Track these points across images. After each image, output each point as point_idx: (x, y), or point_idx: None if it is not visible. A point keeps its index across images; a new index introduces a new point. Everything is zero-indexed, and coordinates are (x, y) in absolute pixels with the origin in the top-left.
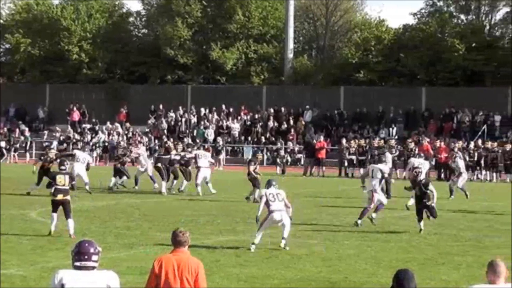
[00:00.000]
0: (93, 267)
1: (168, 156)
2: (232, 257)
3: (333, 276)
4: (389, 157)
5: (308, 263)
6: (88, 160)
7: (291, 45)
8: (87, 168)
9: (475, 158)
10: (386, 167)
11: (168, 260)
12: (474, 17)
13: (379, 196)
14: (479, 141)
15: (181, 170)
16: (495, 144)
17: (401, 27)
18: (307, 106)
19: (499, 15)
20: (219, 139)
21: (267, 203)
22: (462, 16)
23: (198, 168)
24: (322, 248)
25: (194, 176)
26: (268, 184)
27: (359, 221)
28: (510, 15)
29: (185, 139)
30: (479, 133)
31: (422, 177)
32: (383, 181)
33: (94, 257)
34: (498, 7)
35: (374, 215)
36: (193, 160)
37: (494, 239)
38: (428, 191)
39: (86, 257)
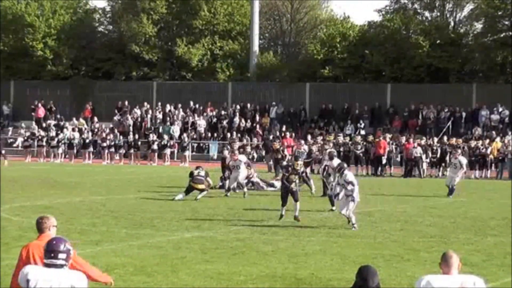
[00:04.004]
0: (62, 265)
1: None
2: (198, 254)
3: (299, 273)
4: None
5: (274, 260)
6: None
7: (256, 41)
8: None
9: (438, 155)
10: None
11: (36, 247)
12: (438, 14)
13: None
14: (444, 138)
15: None
16: (460, 140)
17: (366, 23)
18: (273, 103)
19: (463, 13)
20: (185, 135)
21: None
22: (427, 13)
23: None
24: (288, 244)
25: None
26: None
27: None
28: (475, 12)
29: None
30: (444, 129)
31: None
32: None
33: (62, 255)
34: (462, 4)
35: None
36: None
37: (459, 235)
38: None
39: (52, 254)
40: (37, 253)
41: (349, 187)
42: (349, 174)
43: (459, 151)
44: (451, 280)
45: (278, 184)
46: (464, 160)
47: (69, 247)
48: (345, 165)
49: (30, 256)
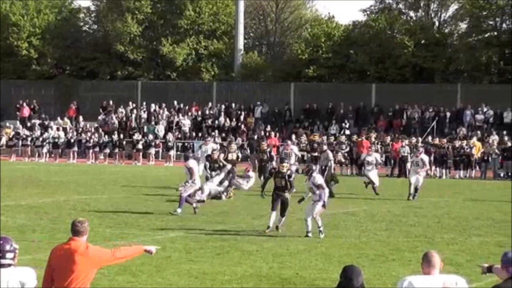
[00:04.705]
0: (9, 265)
1: None
2: (182, 254)
3: (284, 272)
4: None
5: (259, 259)
6: None
7: (241, 41)
8: None
9: None
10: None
11: (61, 250)
12: (423, 14)
13: None
14: (429, 138)
15: None
16: (444, 140)
17: (350, 23)
18: (258, 102)
19: (448, 13)
20: (170, 135)
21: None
22: (412, 13)
23: None
24: (272, 244)
25: None
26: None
27: None
28: (459, 12)
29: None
30: (428, 129)
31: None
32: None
33: (9, 255)
34: (447, 4)
35: None
36: None
37: (444, 235)
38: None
39: (0, 254)
40: (55, 257)
41: (318, 191)
42: (318, 177)
43: (421, 149)
44: (433, 280)
45: (252, 174)
46: (426, 158)
47: (15, 246)
48: (314, 167)
49: (51, 258)
